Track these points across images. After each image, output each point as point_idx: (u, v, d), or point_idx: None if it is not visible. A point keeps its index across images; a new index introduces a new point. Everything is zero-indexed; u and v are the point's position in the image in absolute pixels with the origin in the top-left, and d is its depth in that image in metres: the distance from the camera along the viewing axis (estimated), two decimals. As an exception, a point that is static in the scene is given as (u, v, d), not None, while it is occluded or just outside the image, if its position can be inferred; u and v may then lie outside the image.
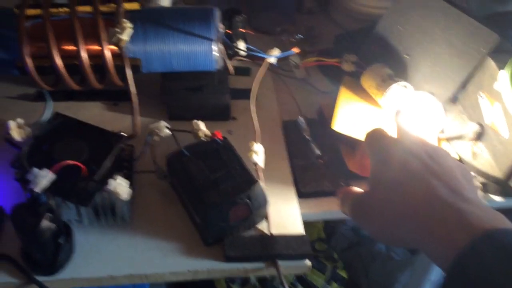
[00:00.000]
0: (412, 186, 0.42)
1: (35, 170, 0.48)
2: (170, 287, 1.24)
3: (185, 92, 0.71)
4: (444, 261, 0.37)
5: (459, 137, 0.70)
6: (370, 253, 1.52)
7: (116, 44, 0.58)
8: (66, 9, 0.65)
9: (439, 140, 0.71)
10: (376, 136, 0.49)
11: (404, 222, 0.41)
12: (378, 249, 1.53)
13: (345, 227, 1.57)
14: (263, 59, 0.75)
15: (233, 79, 0.79)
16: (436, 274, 1.16)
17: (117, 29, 0.58)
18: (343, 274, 1.33)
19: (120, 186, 0.52)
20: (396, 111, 0.53)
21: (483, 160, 0.67)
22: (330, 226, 1.58)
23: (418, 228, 0.40)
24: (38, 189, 0.48)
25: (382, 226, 0.44)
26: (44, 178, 0.48)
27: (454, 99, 0.74)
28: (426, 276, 1.14)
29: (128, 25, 0.59)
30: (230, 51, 0.78)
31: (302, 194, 0.66)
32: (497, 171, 0.65)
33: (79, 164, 0.53)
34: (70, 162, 0.53)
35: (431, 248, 0.39)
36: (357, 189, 0.49)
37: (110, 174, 0.57)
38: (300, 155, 0.70)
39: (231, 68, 0.75)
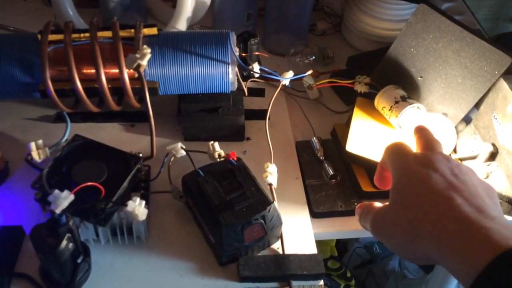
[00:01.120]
0: (435, 203, 0.42)
1: (56, 192, 0.50)
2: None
3: (201, 114, 0.72)
4: (467, 278, 0.37)
5: (472, 158, 0.70)
6: (383, 271, 1.50)
7: (136, 69, 0.60)
8: (87, 34, 0.67)
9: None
10: (398, 150, 0.49)
11: (426, 239, 0.41)
12: (391, 267, 1.51)
13: (357, 244, 1.56)
14: (277, 80, 0.76)
15: (248, 100, 0.80)
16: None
17: (137, 55, 0.60)
18: (357, 293, 1.32)
19: (138, 207, 0.53)
20: (416, 127, 0.53)
21: (496, 180, 0.67)
22: (342, 244, 1.57)
23: (440, 245, 0.40)
24: (59, 210, 0.49)
25: (404, 242, 0.43)
26: (65, 200, 0.49)
27: (467, 120, 0.74)
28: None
29: (147, 51, 0.60)
30: (245, 73, 0.80)
31: (315, 214, 0.67)
32: (510, 191, 0.65)
33: (98, 185, 0.54)
34: (90, 183, 0.54)
35: (453, 265, 0.39)
36: (377, 204, 0.49)
37: (128, 195, 0.59)
38: (313, 175, 0.71)
39: (245, 90, 0.76)
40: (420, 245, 0.41)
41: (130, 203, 0.53)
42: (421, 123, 0.66)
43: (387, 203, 0.47)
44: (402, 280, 1.45)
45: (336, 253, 1.37)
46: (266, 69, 0.75)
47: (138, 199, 0.54)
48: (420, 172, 0.44)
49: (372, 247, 1.58)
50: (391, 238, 0.45)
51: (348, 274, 1.34)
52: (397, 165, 0.47)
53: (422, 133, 0.52)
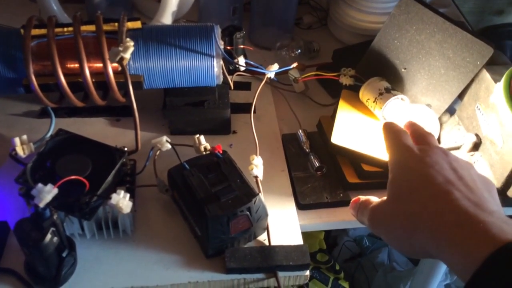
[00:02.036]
0: (433, 197, 0.42)
1: (40, 185, 0.50)
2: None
3: (186, 108, 0.72)
4: (465, 271, 0.37)
5: (456, 148, 0.70)
6: (372, 264, 1.52)
7: (119, 62, 0.60)
8: (70, 29, 0.67)
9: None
10: (396, 140, 0.49)
11: (425, 232, 0.41)
12: (380, 260, 1.53)
13: (347, 238, 1.57)
14: (263, 74, 0.76)
15: (234, 93, 0.81)
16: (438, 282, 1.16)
17: (119, 48, 0.60)
18: (345, 285, 1.33)
19: (123, 200, 0.53)
20: (407, 123, 0.54)
21: (480, 170, 0.68)
22: (332, 237, 1.58)
23: (438, 239, 0.40)
24: (42, 204, 0.49)
25: (402, 236, 0.44)
26: (48, 193, 0.49)
27: (451, 111, 0.75)
28: (428, 286, 1.14)
29: (130, 44, 0.60)
30: (231, 67, 0.80)
31: (301, 206, 0.67)
32: (494, 180, 0.66)
33: (82, 179, 0.54)
34: (74, 177, 0.54)
35: (452, 258, 0.39)
36: (374, 199, 0.49)
37: (113, 189, 0.58)
38: (299, 167, 0.72)
39: (231, 84, 0.76)
40: (419, 239, 0.42)
41: (114, 196, 0.53)
42: (405, 114, 0.67)
43: (385, 198, 0.47)
44: (391, 273, 1.47)
45: (324, 246, 1.38)
46: (251, 63, 0.75)
47: (122, 192, 0.54)
48: (418, 166, 0.44)
49: (361, 241, 1.59)
50: (389, 232, 0.46)
51: (337, 267, 1.35)
52: (395, 158, 0.47)
53: (414, 127, 0.52)
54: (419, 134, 0.51)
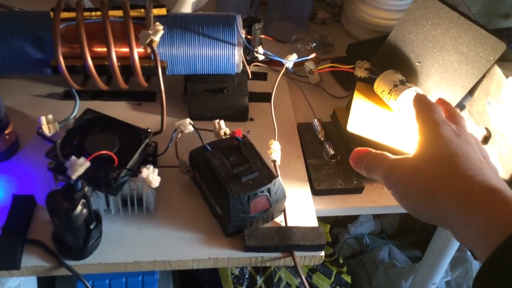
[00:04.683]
0: (466, 167, 0.42)
1: (73, 158, 0.52)
2: (177, 286, 1.27)
3: (206, 94, 0.75)
4: (487, 237, 0.37)
5: (466, 141, 0.73)
6: (373, 261, 1.54)
7: (149, 45, 0.62)
8: (98, 13, 0.69)
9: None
10: (430, 111, 0.49)
11: (450, 194, 0.41)
12: (381, 258, 1.55)
13: (348, 236, 1.60)
14: (279, 65, 0.79)
15: (250, 83, 0.83)
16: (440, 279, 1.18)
17: (150, 31, 0.62)
18: (348, 279, 1.35)
19: (152, 175, 0.55)
20: (439, 99, 0.54)
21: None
22: (333, 235, 1.60)
23: (464, 202, 0.40)
24: (75, 176, 0.51)
25: (422, 193, 0.43)
26: (81, 166, 0.51)
27: (460, 106, 0.77)
28: (429, 282, 1.16)
29: (160, 28, 0.63)
30: (248, 57, 0.82)
31: (316, 192, 0.70)
32: (503, 173, 0.68)
33: (112, 154, 0.56)
34: (104, 152, 0.56)
35: (473, 224, 0.39)
36: (389, 154, 0.49)
37: (137, 168, 0.61)
38: (314, 155, 0.74)
39: (249, 73, 0.78)
40: (440, 199, 0.42)
41: (144, 170, 0.55)
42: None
43: (408, 155, 0.47)
44: (392, 269, 1.49)
45: (329, 239, 1.40)
46: (269, 53, 0.78)
47: (151, 167, 0.56)
48: (454, 139, 0.45)
49: (362, 239, 1.61)
50: (407, 188, 0.45)
51: (341, 261, 1.37)
52: (431, 127, 0.47)
53: (447, 106, 0.53)
54: (452, 113, 0.51)
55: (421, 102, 0.51)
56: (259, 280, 1.25)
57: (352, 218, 1.63)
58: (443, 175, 0.43)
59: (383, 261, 1.54)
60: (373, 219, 1.64)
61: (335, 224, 1.62)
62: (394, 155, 0.49)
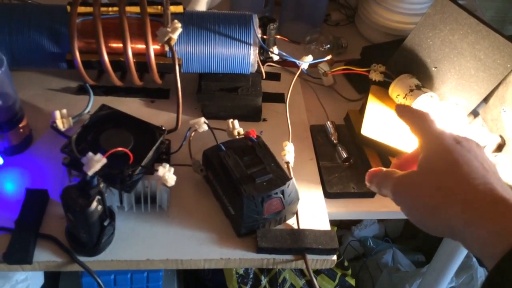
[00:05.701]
0: (470, 177, 0.42)
1: (90, 154, 0.51)
2: (181, 285, 1.27)
3: (220, 93, 0.74)
4: (494, 248, 0.38)
5: (480, 148, 0.72)
6: (377, 264, 1.54)
7: (167, 43, 0.62)
8: (115, 9, 0.69)
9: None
10: (430, 122, 0.49)
11: (456, 205, 0.41)
12: (385, 261, 1.55)
13: (352, 238, 1.60)
14: (292, 65, 0.78)
15: (264, 83, 0.82)
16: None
17: (168, 29, 0.62)
18: (352, 282, 1.35)
19: (168, 173, 0.55)
20: None
21: (503, 170, 0.70)
22: (337, 237, 1.60)
23: (470, 213, 0.40)
24: (91, 172, 0.51)
25: (429, 206, 0.44)
26: (97, 162, 0.51)
27: (474, 113, 0.77)
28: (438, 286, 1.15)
29: (178, 26, 0.62)
30: (262, 57, 0.82)
31: (328, 195, 0.69)
32: (517, 182, 0.68)
33: (128, 151, 0.56)
34: (121, 149, 0.56)
35: (479, 234, 0.39)
36: (397, 171, 0.49)
37: (151, 165, 0.61)
38: (326, 157, 0.74)
39: (263, 73, 0.78)
40: (446, 211, 0.42)
41: (160, 168, 0.55)
42: (434, 111, 0.69)
43: (413, 170, 0.47)
44: (396, 273, 1.49)
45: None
46: (284, 53, 0.77)
47: (167, 166, 0.56)
48: (456, 148, 0.45)
49: (366, 241, 1.61)
50: (413, 200, 0.45)
51: (346, 263, 1.37)
52: (431, 136, 0.48)
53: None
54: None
55: (411, 114, 0.51)
56: (264, 280, 1.25)
57: (357, 221, 1.63)
58: (447, 187, 0.43)
59: (387, 264, 1.54)
60: (377, 223, 1.64)
61: (339, 226, 1.62)
62: (401, 171, 0.49)
